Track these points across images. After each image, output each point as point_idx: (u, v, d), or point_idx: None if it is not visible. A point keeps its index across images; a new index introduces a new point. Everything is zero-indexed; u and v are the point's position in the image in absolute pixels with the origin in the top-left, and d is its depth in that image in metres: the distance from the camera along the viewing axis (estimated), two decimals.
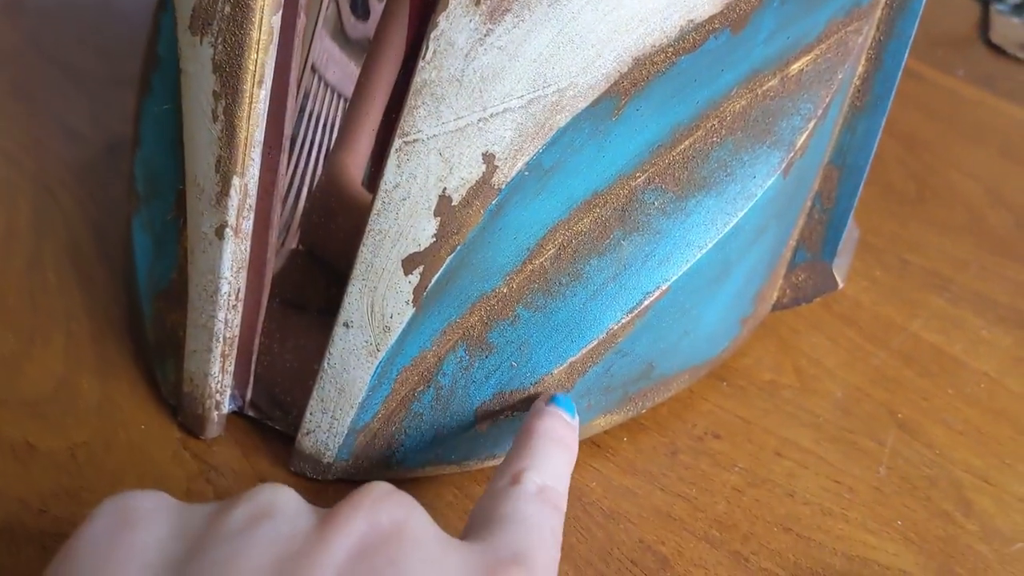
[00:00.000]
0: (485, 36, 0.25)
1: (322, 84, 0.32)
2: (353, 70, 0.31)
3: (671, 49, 0.26)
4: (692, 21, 0.26)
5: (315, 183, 0.30)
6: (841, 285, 0.37)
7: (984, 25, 0.73)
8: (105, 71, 0.46)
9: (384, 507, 0.21)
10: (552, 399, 0.29)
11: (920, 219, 0.48)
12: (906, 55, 0.34)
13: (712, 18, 0.26)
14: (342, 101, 0.33)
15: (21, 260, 0.36)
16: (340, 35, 0.35)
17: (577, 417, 0.29)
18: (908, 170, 0.52)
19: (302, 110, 0.32)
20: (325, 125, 0.31)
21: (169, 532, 0.21)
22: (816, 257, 0.37)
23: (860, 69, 0.35)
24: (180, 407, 0.31)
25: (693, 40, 0.26)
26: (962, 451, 0.35)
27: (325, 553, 0.20)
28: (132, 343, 0.33)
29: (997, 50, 0.69)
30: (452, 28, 0.25)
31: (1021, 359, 0.40)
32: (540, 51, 0.25)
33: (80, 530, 0.21)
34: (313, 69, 0.35)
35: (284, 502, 0.22)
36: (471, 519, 0.25)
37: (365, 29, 0.35)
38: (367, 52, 0.31)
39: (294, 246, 0.35)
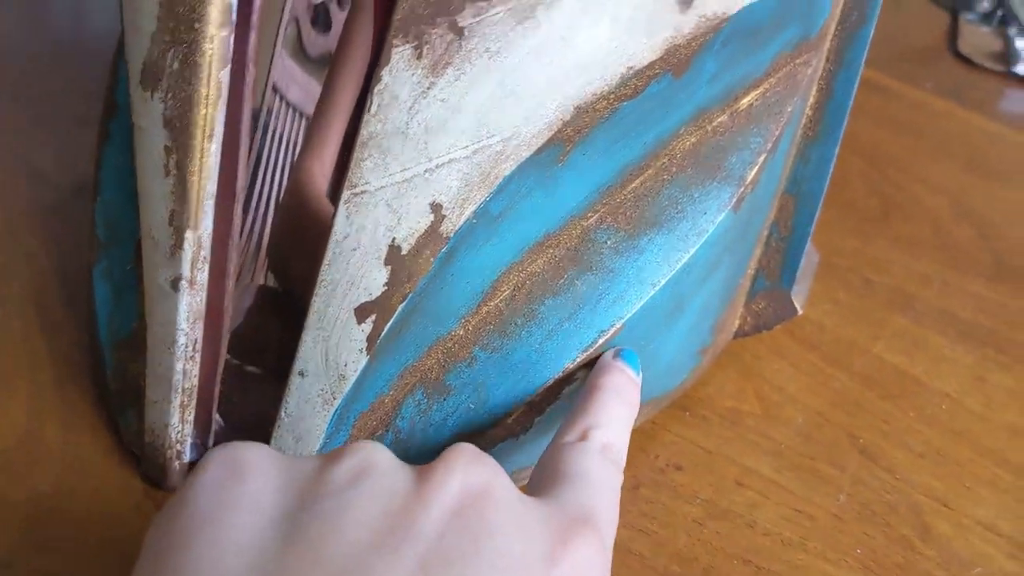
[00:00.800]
0: (428, 89, 0.25)
1: (283, 104, 0.33)
2: (315, 88, 0.32)
3: (612, 96, 0.26)
4: (632, 68, 0.26)
5: (281, 196, 0.30)
6: (800, 311, 0.38)
7: (952, 35, 0.73)
8: (72, 111, 0.46)
9: (474, 469, 0.23)
10: (619, 353, 0.30)
11: (884, 236, 0.49)
12: (856, 85, 0.35)
13: (652, 64, 0.26)
14: (304, 120, 0.34)
15: None
16: (300, 53, 0.36)
17: (641, 372, 0.30)
18: (872, 186, 0.53)
19: (265, 128, 0.32)
20: (287, 144, 0.31)
21: (277, 483, 0.22)
22: (775, 285, 0.37)
23: (811, 99, 0.35)
24: (142, 457, 0.31)
25: (634, 86, 0.27)
26: (922, 474, 0.36)
27: (425, 510, 0.22)
28: (96, 390, 0.33)
29: (965, 61, 0.70)
30: (395, 82, 0.25)
31: (982, 378, 0.40)
32: (482, 103, 0.25)
33: (191, 481, 0.22)
34: (274, 89, 0.35)
35: (382, 459, 0.23)
36: (537, 471, 0.26)
37: (326, 43, 0.36)
38: (331, 62, 0.31)
39: (262, 280, 0.35)
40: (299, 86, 0.35)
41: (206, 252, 0.28)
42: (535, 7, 0.24)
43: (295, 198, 0.32)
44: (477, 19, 0.24)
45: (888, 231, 0.49)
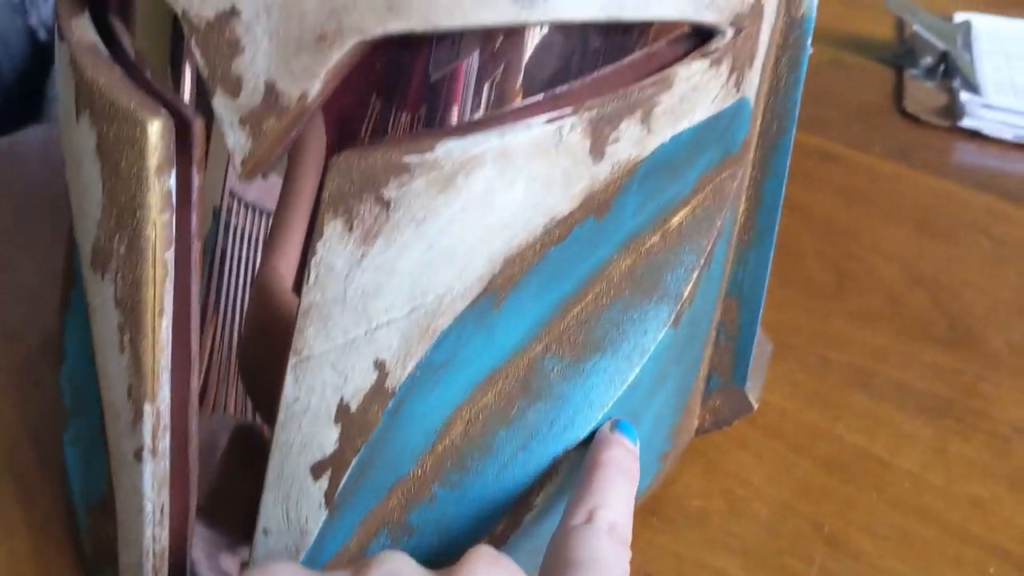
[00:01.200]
0: (361, 258, 0.26)
1: (242, 204, 0.33)
2: (274, 181, 0.33)
3: (538, 244, 0.28)
4: (554, 219, 0.27)
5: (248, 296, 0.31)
6: (755, 406, 0.39)
7: (898, 93, 0.75)
8: (35, 262, 0.47)
9: (494, 571, 0.25)
10: (616, 424, 0.31)
11: (840, 311, 0.50)
12: (783, 189, 0.36)
13: (572, 213, 0.28)
14: (266, 216, 0.35)
15: None
16: None
17: (638, 442, 0.31)
18: (827, 260, 0.54)
19: (227, 226, 0.33)
20: (250, 239, 0.32)
21: None
22: (728, 383, 0.38)
23: (742, 207, 0.36)
24: None
25: (559, 234, 0.28)
26: (889, 558, 0.36)
27: None
28: (73, 551, 0.34)
29: (911, 119, 0.72)
30: (330, 254, 0.26)
31: (942, 450, 0.41)
32: (414, 265, 0.27)
33: None
34: (232, 194, 0.36)
35: (406, 568, 0.25)
36: (548, 558, 0.27)
37: None
38: (288, 156, 0.32)
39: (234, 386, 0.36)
40: (257, 184, 0.36)
41: (166, 421, 0.29)
42: (454, 175, 0.26)
43: (262, 298, 0.33)
44: (401, 191, 0.26)
45: (843, 305, 0.50)
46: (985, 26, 0.84)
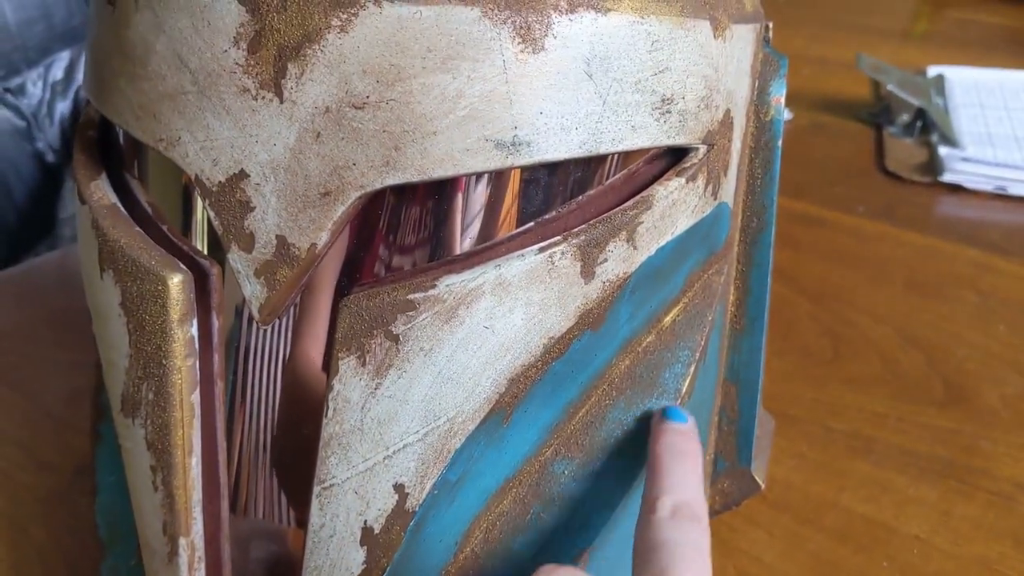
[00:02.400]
0: (375, 389, 0.28)
1: None
2: None
3: (540, 363, 0.30)
4: (552, 338, 0.29)
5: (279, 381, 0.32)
6: (763, 486, 0.40)
7: (879, 152, 0.78)
8: (61, 390, 0.49)
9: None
10: (664, 413, 0.33)
11: (837, 378, 0.51)
12: (769, 281, 0.38)
13: (570, 329, 0.30)
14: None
15: None
16: None
17: (690, 419, 0.33)
18: (821, 326, 0.56)
19: (250, 319, 0.34)
20: (275, 332, 0.33)
21: None
22: (734, 465, 0.40)
23: (731, 298, 0.38)
24: None
25: (559, 349, 0.30)
26: None
27: None
28: None
29: (893, 176, 0.74)
30: (346, 388, 0.28)
31: (947, 512, 0.43)
32: (425, 392, 0.28)
33: None
34: None
35: None
36: (633, 552, 0.29)
37: None
38: None
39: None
40: None
41: (200, 552, 0.31)
42: (456, 308, 0.28)
43: (295, 381, 0.34)
44: (408, 326, 0.28)
45: (840, 372, 0.52)
46: (958, 77, 0.87)
